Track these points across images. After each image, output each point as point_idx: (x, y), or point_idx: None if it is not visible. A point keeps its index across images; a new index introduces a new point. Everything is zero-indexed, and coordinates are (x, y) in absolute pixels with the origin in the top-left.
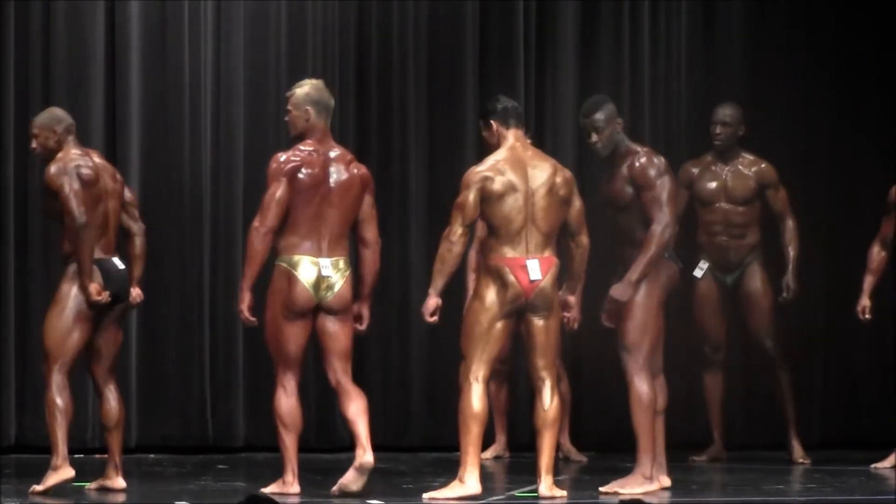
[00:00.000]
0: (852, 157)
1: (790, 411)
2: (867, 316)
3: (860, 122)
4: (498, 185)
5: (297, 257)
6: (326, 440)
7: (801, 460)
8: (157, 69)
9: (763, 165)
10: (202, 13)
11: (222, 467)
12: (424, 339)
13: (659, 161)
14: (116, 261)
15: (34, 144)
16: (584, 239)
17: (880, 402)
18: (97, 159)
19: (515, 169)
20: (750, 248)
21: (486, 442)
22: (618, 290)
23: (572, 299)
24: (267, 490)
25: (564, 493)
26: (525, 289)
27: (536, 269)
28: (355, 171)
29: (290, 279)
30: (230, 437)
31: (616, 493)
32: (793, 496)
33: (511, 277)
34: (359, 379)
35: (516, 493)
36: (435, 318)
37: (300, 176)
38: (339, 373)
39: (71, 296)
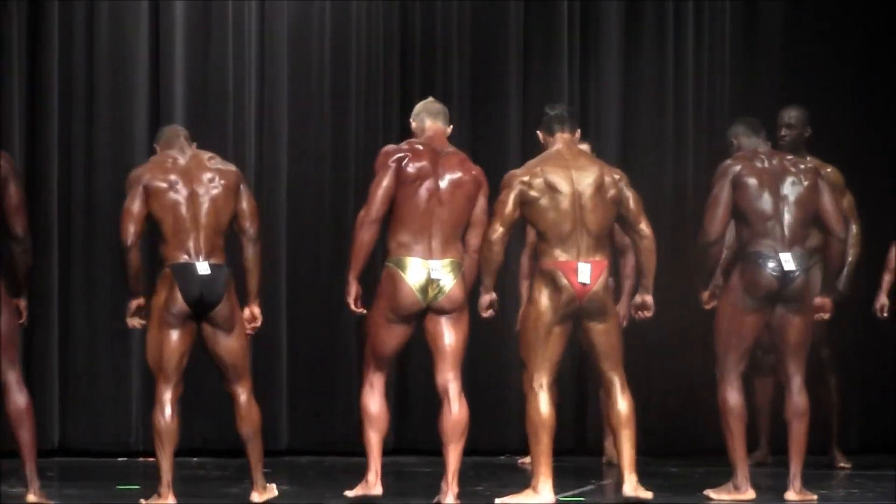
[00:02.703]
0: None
1: (835, 417)
2: (885, 315)
3: None
4: (535, 189)
5: (405, 259)
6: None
7: (842, 465)
8: (201, 69)
9: (828, 170)
10: (246, 13)
11: (265, 470)
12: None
13: (719, 168)
14: (200, 265)
15: None
16: (646, 229)
17: None
18: None
19: (558, 172)
20: (811, 252)
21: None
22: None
23: (649, 299)
24: (351, 493)
25: (650, 494)
26: (577, 292)
27: (587, 273)
28: (468, 169)
29: (398, 281)
30: (273, 441)
31: (708, 498)
32: (836, 501)
33: (564, 281)
34: (401, 383)
35: (559, 497)
36: (491, 313)
37: (406, 168)
38: (448, 379)
39: (151, 307)
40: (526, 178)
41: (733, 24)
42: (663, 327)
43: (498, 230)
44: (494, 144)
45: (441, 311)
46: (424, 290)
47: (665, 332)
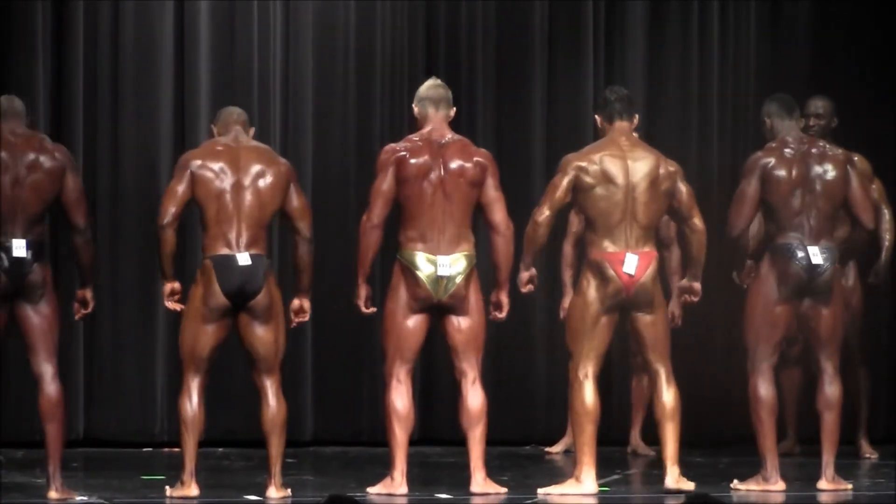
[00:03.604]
0: None
1: (863, 407)
2: None
3: None
4: (591, 176)
5: (413, 253)
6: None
7: (868, 455)
8: (226, 68)
9: (856, 158)
10: (271, 12)
11: (290, 461)
12: (491, 333)
13: (749, 160)
14: (241, 255)
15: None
16: (698, 222)
17: None
18: None
19: (614, 161)
20: (840, 242)
21: (556, 435)
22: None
23: (697, 286)
24: (373, 490)
25: (692, 485)
26: (626, 284)
27: (633, 264)
28: (471, 156)
29: (410, 275)
30: (298, 431)
31: (736, 490)
32: (862, 491)
33: (611, 272)
34: (425, 373)
35: None
36: (530, 287)
37: (407, 165)
38: (462, 372)
39: (190, 297)
40: (583, 164)
41: (758, 17)
42: (687, 318)
43: (545, 213)
44: (519, 140)
45: (450, 310)
46: (435, 283)
47: (689, 322)
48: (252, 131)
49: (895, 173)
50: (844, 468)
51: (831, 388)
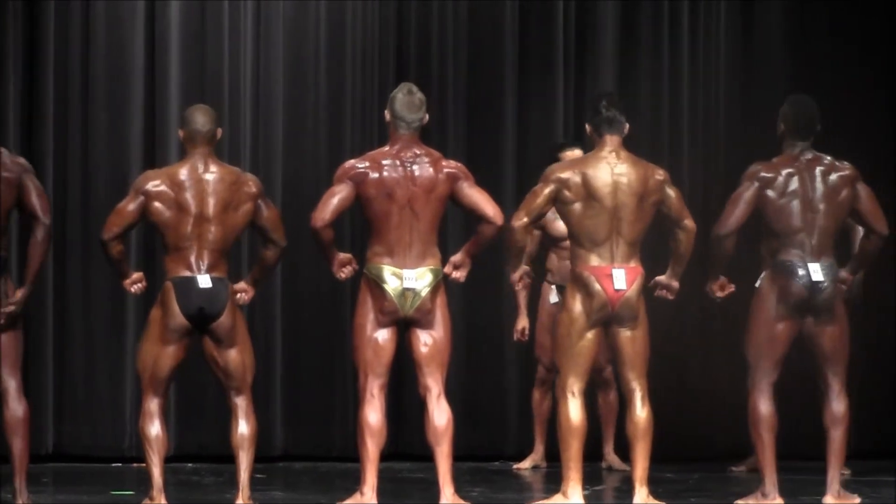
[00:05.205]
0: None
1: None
2: None
3: None
4: (572, 190)
5: (380, 267)
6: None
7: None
8: (197, 71)
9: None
10: (242, 14)
11: (260, 476)
12: (462, 349)
13: (749, 168)
14: (202, 277)
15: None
16: (689, 223)
17: None
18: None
19: (600, 179)
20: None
21: (527, 451)
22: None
23: (676, 285)
24: None
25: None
26: (611, 298)
27: (622, 278)
28: (439, 170)
29: (375, 289)
30: (268, 447)
31: None
32: None
33: (597, 286)
34: (396, 388)
35: (549, 502)
36: (526, 281)
37: (366, 182)
38: (426, 387)
39: (150, 319)
40: (564, 176)
41: (730, 27)
42: (660, 334)
43: (522, 219)
44: (490, 146)
45: (415, 323)
46: (401, 297)
47: (663, 338)
48: (220, 132)
49: (877, 178)
50: (815, 484)
51: (838, 405)
